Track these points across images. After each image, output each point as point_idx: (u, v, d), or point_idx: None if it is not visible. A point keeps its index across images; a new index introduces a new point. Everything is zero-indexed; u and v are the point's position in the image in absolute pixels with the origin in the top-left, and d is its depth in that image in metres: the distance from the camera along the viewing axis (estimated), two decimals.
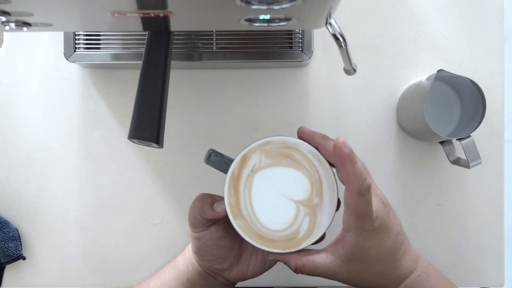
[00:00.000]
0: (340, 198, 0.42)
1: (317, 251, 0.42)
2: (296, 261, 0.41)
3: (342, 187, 0.41)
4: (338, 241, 0.41)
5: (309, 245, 0.41)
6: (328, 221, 0.41)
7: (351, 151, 0.37)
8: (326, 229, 0.41)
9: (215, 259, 0.45)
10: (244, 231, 0.41)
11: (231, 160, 0.42)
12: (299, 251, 0.41)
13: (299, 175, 0.41)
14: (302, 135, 0.42)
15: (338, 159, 0.38)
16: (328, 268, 0.40)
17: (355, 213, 0.39)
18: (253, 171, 0.41)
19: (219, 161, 0.42)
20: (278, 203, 0.41)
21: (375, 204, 0.40)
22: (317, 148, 0.41)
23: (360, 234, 0.39)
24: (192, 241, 0.46)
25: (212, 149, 0.43)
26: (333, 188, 0.41)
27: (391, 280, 0.42)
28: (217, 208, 0.42)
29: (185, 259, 0.48)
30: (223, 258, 0.45)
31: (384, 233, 0.40)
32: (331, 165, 0.42)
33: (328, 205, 0.41)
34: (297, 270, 0.41)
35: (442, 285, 0.43)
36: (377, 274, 0.41)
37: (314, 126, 0.56)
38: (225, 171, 0.42)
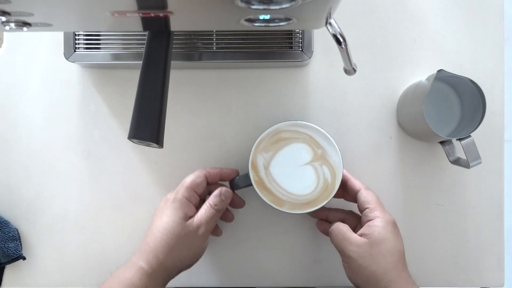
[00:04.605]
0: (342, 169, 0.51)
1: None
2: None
3: (345, 163, 0.47)
4: (366, 227, 0.47)
5: (339, 181, 0.49)
6: (338, 157, 0.50)
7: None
8: (342, 164, 0.50)
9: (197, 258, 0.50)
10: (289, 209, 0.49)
11: (246, 174, 0.50)
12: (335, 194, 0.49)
13: (297, 145, 0.50)
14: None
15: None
16: (359, 245, 0.46)
17: (371, 202, 0.47)
18: (266, 168, 0.50)
19: (241, 182, 0.51)
20: (297, 172, 0.50)
21: (387, 215, 0.47)
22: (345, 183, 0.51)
23: (382, 221, 0.46)
24: (204, 242, 0.49)
25: (234, 178, 0.52)
26: (324, 135, 0.50)
27: (402, 280, 0.45)
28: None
29: (149, 277, 0.46)
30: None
31: (397, 235, 0.47)
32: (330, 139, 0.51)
33: (329, 148, 0.50)
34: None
35: None
36: (391, 264, 0.45)
37: None
38: (250, 183, 0.50)
